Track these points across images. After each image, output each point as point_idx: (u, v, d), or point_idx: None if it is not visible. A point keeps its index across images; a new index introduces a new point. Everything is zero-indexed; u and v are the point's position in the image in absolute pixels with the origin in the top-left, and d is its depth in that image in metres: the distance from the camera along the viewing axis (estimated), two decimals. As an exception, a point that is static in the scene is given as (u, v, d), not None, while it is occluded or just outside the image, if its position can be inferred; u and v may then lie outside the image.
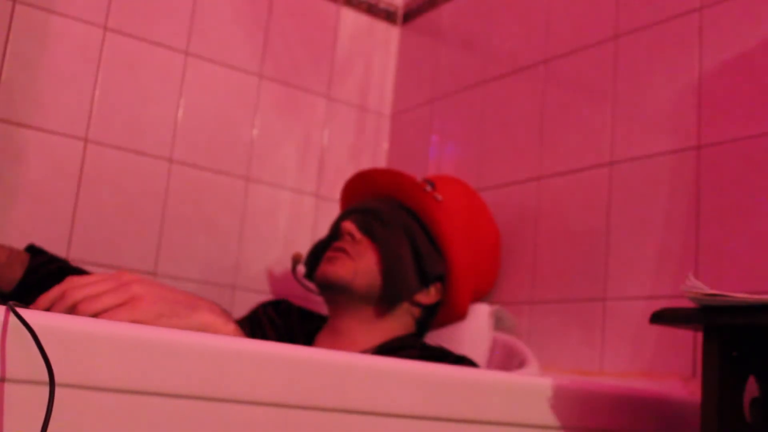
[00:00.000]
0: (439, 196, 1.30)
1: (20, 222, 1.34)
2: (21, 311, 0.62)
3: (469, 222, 1.37)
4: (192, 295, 0.94)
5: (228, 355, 0.72)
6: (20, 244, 1.32)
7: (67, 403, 0.63)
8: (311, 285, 1.35)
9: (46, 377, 0.60)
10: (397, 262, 1.24)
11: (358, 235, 1.26)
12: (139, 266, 1.42)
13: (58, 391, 0.61)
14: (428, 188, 1.30)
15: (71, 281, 0.87)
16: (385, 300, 1.24)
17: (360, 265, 1.24)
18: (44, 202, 1.37)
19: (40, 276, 1.22)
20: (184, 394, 0.69)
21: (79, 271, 1.28)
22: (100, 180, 1.43)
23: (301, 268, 1.49)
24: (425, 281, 1.26)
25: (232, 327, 0.93)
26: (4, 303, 0.63)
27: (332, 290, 1.25)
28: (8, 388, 0.61)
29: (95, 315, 0.84)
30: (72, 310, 0.85)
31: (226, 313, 0.95)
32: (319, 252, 1.34)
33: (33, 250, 1.25)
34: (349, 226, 1.27)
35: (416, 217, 1.29)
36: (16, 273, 1.20)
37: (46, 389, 0.60)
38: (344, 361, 0.80)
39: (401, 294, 1.24)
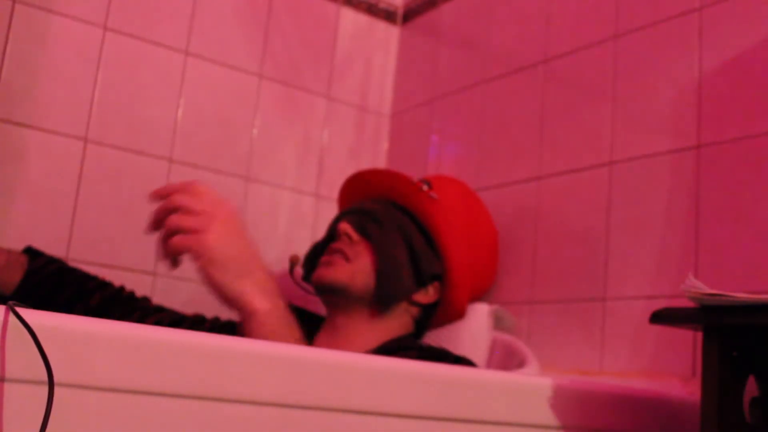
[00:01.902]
0: (435, 195, 1.30)
1: (20, 222, 1.34)
2: (21, 311, 0.62)
3: (466, 221, 1.37)
4: (255, 261, 0.98)
5: (228, 355, 0.72)
6: (20, 244, 1.32)
7: (67, 402, 0.63)
8: (309, 287, 1.35)
9: (45, 377, 0.60)
10: (392, 263, 1.24)
11: (355, 236, 1.26)
12: (139, 266, 1.42)
13: (58, 391, 0.61)
14: (424, 187, 1.30)
15: (193, 186, 0.98)
16: (381, 301, 1.24)
17: (357, 267, 1.24)
18: (44, 202, 1.37)
19: (40, 278, 1.22)
20: (184, 394, 0.69)
21: (77, 272, 1.28)
22: (100, 180, 1.43)
23: (299, 270, 1.49)
24: (422, 281, 1.26)
25: (266, 306, 0.95)
26: (3, 303, 0.63)
27: (330, 292, 1.25)
28: (8, 387, 0.61)
29: (176, 230, 0.95)
30: (169, 211, 0.96)
31: (271, 291, 0.97)
32: (316, 254, 1.34)
33: (31, 252, 1.25)
34: (345, 227, 1.27)
35: (412, 217, 1.29)
36: (15, 276, 1.20)
37: (46, 389, 0.60)
38: (344, 361, 0.80)
39: (396, 294, 1.24)
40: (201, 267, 0.95)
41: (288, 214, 1.66)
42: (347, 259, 1.24)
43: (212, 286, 0.96)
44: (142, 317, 1.28)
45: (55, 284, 1.24)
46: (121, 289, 1.31)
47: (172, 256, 0.97)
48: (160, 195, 0.99)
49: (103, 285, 1.29)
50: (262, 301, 0.94)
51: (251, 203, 1.60)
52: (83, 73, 1.43)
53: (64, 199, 1.39)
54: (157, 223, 0.98)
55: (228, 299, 0.96)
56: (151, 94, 1.51)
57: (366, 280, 1.23)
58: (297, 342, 0.97)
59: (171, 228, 0.95)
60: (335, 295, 1.24)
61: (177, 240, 0.95)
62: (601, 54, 1.39)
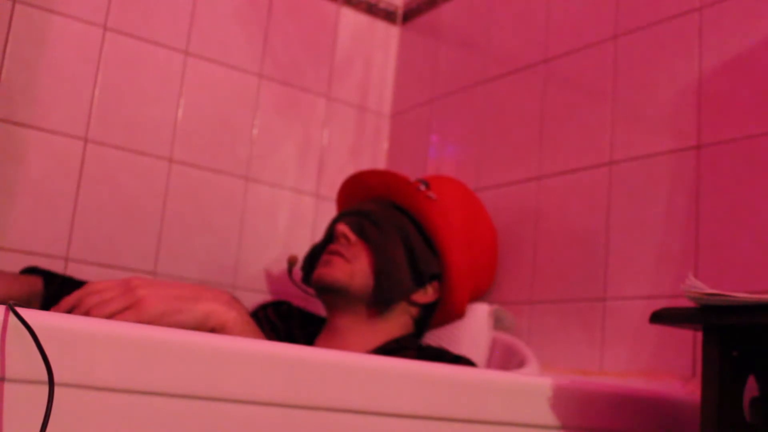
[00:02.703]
0: (433, 195, 1.30)
1: (20, 222, 1.34)
2: (21, 311, 0.62)
3: (465, 220, 1.37)
4: (197, 287, 0.98)
5: (228, 355, 0.72)
6: (20, 244, 1.32)
7: (67, 402, 0.63)
8: (308, 288, 1.35)
9: (45, 377, 0.60)
10: (389, 263, 1.24)
11: (352, 237, 1.26)
12: (139, 266, 1.42)
13: (58, 391, 0.61)
14: (422, 187, 1.31)
15: (87, 288, 0.94)
16: (380, 301, 1.24)
17: (355, 268, 1.24)
18: (44, 202, 1.37)
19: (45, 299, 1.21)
20: (184, 394, 0.69)
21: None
22: (100, 180, 1.43)
23: (297, 272, 1.49)
24: (421, 281, 1.26)
25: (233, 314, 0.96)
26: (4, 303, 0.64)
27: (329, 293, 1.25)
28: (8, 387, 0.61)
29: (107, 318, 0.90)
30: (87, 314, 0.91)
31: (232, 301, 0.98)
32: (315, 255, 1.34)
33: (43, 274, 1.24)
34: (343, 228, 1.27)
35: (411, 217, 1.30)
36: (34, 306, 1.20)
37: (46, 389, 0.60)
38: (344, 361, 0.80)
39: (394, 294, 1.24)
40: (163, 323, 0.93)
41: (288, 214, 1.66)
42: (346, 259, 1.24)
43: (182, 328, 0.94)
44: None
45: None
46: None
47: None
48: (65, 310, 0.93)
49: None
50: (225, 311, 0.96)
51: (251, 203, 1.60)
52: (83, 73, 1.43)
53: (64, 199, 1.39)
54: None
55: (201, 328, 0.95)
56: (151, 94, 1.51)
57: (365, 280, 1.24)
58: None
59: (104, 316, 0.91)
60: (335, 296, 1.24)
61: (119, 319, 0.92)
62: (601, 54, 1.39)
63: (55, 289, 1.22)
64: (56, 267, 1.36)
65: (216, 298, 0.97)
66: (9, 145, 1.35)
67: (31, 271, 1.25)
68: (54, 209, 1.38)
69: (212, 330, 0.96)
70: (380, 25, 1.85)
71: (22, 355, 0.61)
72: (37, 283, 1.22)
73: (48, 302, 1.21)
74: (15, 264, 1.31)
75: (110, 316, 0.90)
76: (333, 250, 1.27)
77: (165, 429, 0.68)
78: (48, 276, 1.24)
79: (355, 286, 1.23)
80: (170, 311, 0.93)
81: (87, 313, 0.91)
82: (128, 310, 0.91)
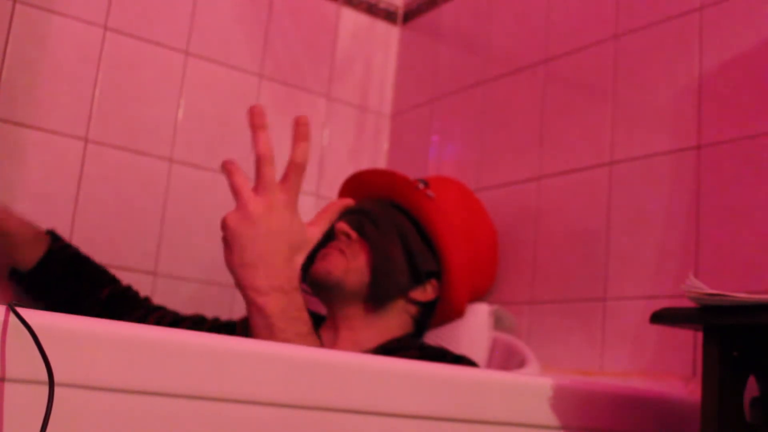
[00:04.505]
0: (432, 194, 1.30)
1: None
2: (21, 311, 0.62)
3: (464, 219, 1.37)
4: (272, 256, 1.00)
5: (228, 355, 0.72)
6: (20, 244, 1.32)
7: (67, 402, 0.63)
8: (307, 288, 1.35)
9: (45, 377, 0.60)
10: (385, 261, 1.24)
11: (353, 234, 1.27)
12: (139, 266, 1.42)
13: (58, 391, 0.61)
14: (420, 186, 1.31)
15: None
16: (376, 296, 1.24)
17: (352, 264, 1.24)
18: (44, 202, 1.37)
19: (59, 260, 1.25)
20: (184, 394, 0.69)
21: (92, 263, 1.30)
22: (100, 180, 1.43)
23: (298, 270, 1.48)
24: (418, 278, 1.27)
25: (277, 308, 0.98)
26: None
27: (325, 288, 1.25)
28: (8, 387, 0.61)
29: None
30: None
31: (288, 292, 1.00)
32: (314, 253, 1.34)
33: (52, 234, 1.28)
34: (343, 226, 1.27)
35: (410, 215, 1.30)
36: (37, 253, 1.24)
37: (46, 389, 0.60)
38: (344, 361, 0.80)
39: (390, 290, 1.25)
40: (234, 251, 1.00)
41: (288, 214, 1.65)
42: (344, 255, 1.25)
43: (229, 267, 1.01)
44: (144, 315, 1.29)
45: (72, 270, 1.27)
46: (129, 287, 1.33)
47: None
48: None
49: (114, 280, 1.31)
50: (273, 300, 0.97)
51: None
52: (83, 73, 1.43)
53: (64, 199, 1.39)
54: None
55: (236, 284, 1.00)
56: (151, 94, 1.51)
57: (360, 277, 1.24)
58: (301, 337, 0.98)
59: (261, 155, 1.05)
60: (331, 291, 1.25)
61: (233, 181, 1.03)
62: (601, 54, 1.39)
63: (60, 246, 1.26)
64: (56, 267, 1.35)
65: (272, 280, 0.98)
66: (9, 145, 1.35)
67: (48, 232, 1.28)
68: (54, 209, 1.38)
69: (246, 302, 0.98)
70: (380, 25, 1.85)
71: (22, 355, 0.61)
72: (44, 235, 1.25)
73: (51, 256, 1.23)
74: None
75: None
76: (332, 246, 1.27)
77: (165, 429, 0.68)
78: (55, 236, 1.27)
79: (350, 280, 1.24)
80: (232, 245, 0.99)
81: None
82: (239, 198, 1.01)
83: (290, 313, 0.99)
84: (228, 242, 1.00)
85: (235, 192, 1.03)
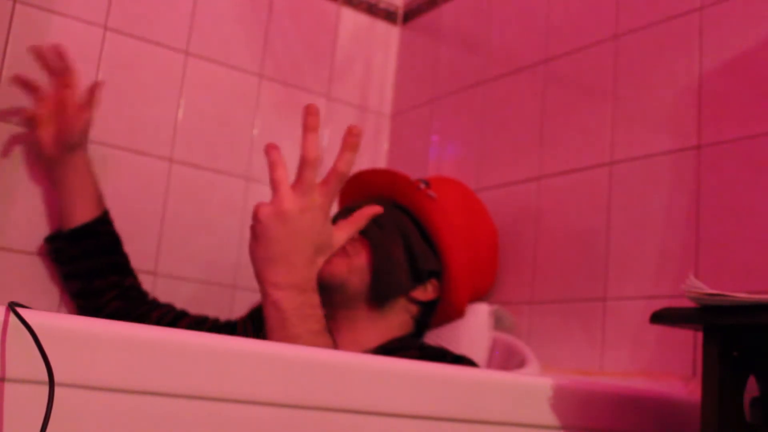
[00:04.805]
0: (433, 194, 1.30)
1: (20, 222, 1.34)
2: (21, 311, 0.62)
3: (465, 219, 1.37)
4: (293, 252, 1.01)
5: (228, 355, 0.72)
6: (21, 245, 1.32)
7: (67, 402, 0.63)
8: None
9: (45, 377, 0.60)
10: (386, 260, 1.24)
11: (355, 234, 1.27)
12: (139, 266, 1.42)
13: (58, 391, 0.61)
14: (422, 186, 1.31)
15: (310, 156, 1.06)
16: (377, 296, 1.24)
17: (354, 264, 1.24)
18: (44, 202, 1.37)
19: (104, 231, 1.32)
20: (184, 394, 0.69)
21: (124, 252, 1.36)
22: (100, 180, 1.42)
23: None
24: (419, 277, 1.27)
25: (293, 304, 0.99)
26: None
27: (327, 289, 1.25)
28: (8, 387, 0.61)
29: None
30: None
31: (306, 291, 1.01)
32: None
33: (105, 211, 1.34)
34: None
35: (411, 215, 1.30)
36: (89, 214, 1.30)
37: (46, 389, 0.60)
38: (344, 361, 0.80)
39: (391, 290, 1.25)
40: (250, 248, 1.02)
41: (288, 214, 1.65)
42: (346, 255, 1.25)
43: (253, 262, 1.02)
44: (150, 310, 1.34)
45: (110, 246, 1.33)
46: (147, 292, 1.39)
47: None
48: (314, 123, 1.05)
49: (136, 276, 1.38)
50: (291, 299, 0.98)
51: (251, 203, 1.59)
52: (84, 73, 1.43)
53: (65, 199, 1.39)
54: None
55: (259, 282, 1.02)
56: (151, 94, 1.51)
57: (361, 277, 1.24)
58: (313, 334, 0.98)
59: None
60: (333, 292, 1.25)
61: (274, 175, 1.04)
62: (601, 54, 1.39)
63: (109, 220, 1.33)
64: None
65: (291, 278, 0.99)
66: (10, 145, 1.35)
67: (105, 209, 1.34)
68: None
69: (265, 298, 0.99)
70: (380, 25, 1.85)
71: (22, 355, 0.61)
72: (100, 209, 1.32)
73: (99, 224, 1.30)
74: (15, 264, 1.31)
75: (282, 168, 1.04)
76: None
77: (165, 429, 0.68)
78: (106, 214, 1.33)
79: (352, 281, 1.24)
80: (259, 238, 1.00)
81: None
82: (275, 191, 1.01)
83: (304, 310, 1.00)
84: (256, 233, 1.02)
85: (275, 186, 1.03)
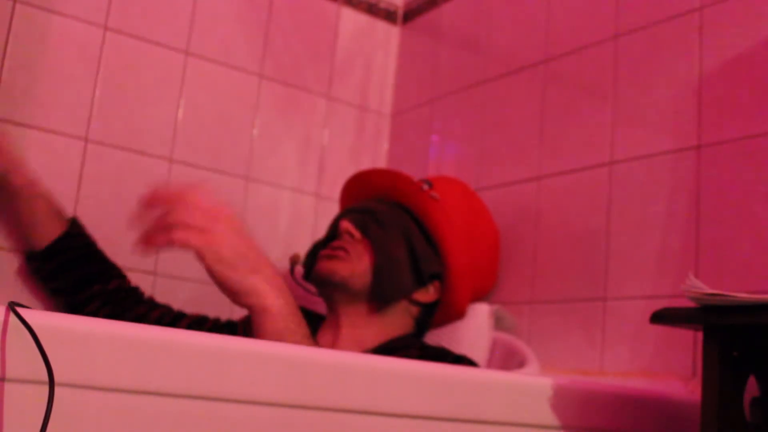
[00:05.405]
0: (436, 195, 1.30)
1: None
2: (21, 311, 0.62)
3: (467, 221, 1.37)
4: (262, 260, 0.96)
5: (228, 355, 0.72)
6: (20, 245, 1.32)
7: (67, 402, 0.63)
8: (309, 286, 1.35)
9: (45, 377, 0.60)
10: (389, 262, 1.24)
11: (357, 234, 1.27)
12: (139, 266, 1.42)
13: (58, 391, 0.61)
14: (425, 187, 1.31)
15: (185, 195, 0.95)
16: (379, 298, 1.24)
17: (356, 264, 1.24)
18: (44, 202, 1.37)
19: (75, 244, 1.27)
20: (184, 394, 0.69)
21: (104, 255, 1.31)
22: (100, 180, 1.43)
23: (300, 270, 1.49)
24: (422, 280, 1.27)
25: (280, 302, 0.93)
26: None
27: (329, 288, 1.25)
28: (8, 387, 0.61)
29: (175, 225, 0.93)
30: (166, 222, 0.94)
31: (282, 288, 0.95)
32: (317, 251, 1.34)
33: (73, 220, 1.29)
34: (347, 225, 1.27)
35: (414, 216, 1.30)
36: (55, 231, 1.25)
37: (46, 389, 0.60)
38: (344, 361, 0.80)
39: (393, 292, 1.24)
40: (209, 265, 0.94)
41: (288, 214, 1.66)
42: (349, 255, 1.25)
43: (222, 283, 0.95)
44: (146, 312, 1.31)
45: (85, 256, 1.28)
46: (137, 288, 1.34)
47: (165, 247, 0.96)
48: (157, 198, 0.97)
49: (123, 276, 1.33)
50: (273, 297, 0.94)
51: (251, 203, 1.60)
52: (83, 73, 1.43)
53: (64, 199, 1.39)
54: (150, 207, 0.98)
55: (239, 296, 0.95)
56: (151, 94, 1.50)
57: (364, 277, 1.24)
58: (305, 338, 0.98)
59: (174, 222, 0.94)
60: (334, 291, 1.25)
61: (182, 236, 0.93)
62: (601, 54, 1.39)
63: (77, 231, 1.28)
64: (56, 267, 1.35)
65: (269, 279, 0.94)
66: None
67: (73, 219, 1.30)
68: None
69: (249, 307, 0.94)
70: (380, 25, 1.85)
71: (22, 355, 0.61)
72: (65, 221, 1.26)
73: (67, 238, 1.25)
74: (15, 264, 1.31)
75: (184, 225, 0.92)
76: (336, 246, 1.27)
77: (165, 429, 0.68)
78: (74, 225, 1.28)
79: (354, 281, 1.24)
80: (228, 264, 0.92)
81: (168, 213, 0.93)
82: (198, 233, 0.92)
83: (293, 313, 0.98)
84: (205, 255, 0.94)
85: (194, 207, 0.96)
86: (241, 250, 0.94)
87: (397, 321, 1.27)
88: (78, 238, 1.28)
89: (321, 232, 1.63)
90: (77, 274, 1.27)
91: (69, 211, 1.40)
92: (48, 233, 1.24)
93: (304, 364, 0.76)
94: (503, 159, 1.54)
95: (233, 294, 0.95)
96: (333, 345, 1.24)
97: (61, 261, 1.26)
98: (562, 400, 0.91)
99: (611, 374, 1.23)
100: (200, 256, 0.94)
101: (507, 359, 1.29)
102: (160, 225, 0.95)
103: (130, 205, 1.46)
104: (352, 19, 1.80)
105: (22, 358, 0.61)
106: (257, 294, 0.93)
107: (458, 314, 1.32)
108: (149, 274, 1.45)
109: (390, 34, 1.86)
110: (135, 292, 1.33)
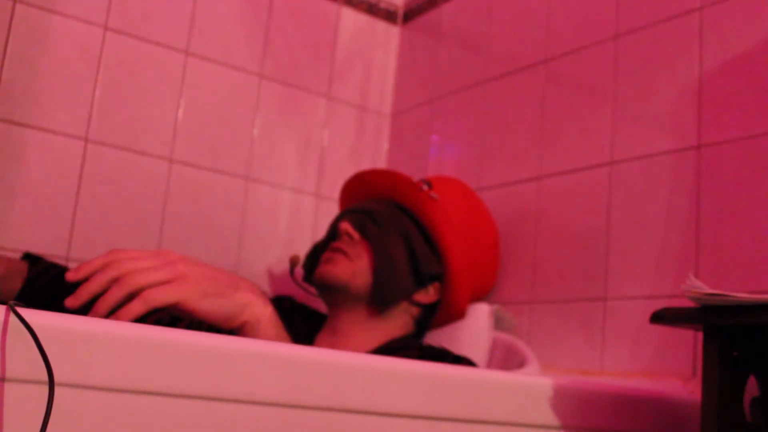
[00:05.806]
0: (436, 196, 1.30)
1: (20, 222, 1.34)
2: (21, 311, 0.62)
3: (467, 221, 1.37)
4: (233, 275, 0.95)
5: (228, 355, 0.72)
6: (21, 245, 1.32)
7: (67, 402, 0.63)
8: (309, 287, 1.35)
9: (45, 377, 0.60)
10: (389, 263, 1.24)
11: (356, 235, 1.26)
12: (139, 266, 1.42)
13: (58, 391, 0.61)
14: (425, 188, 1.31)
15: (117, 252, 0.87)
16: (379, 300, 1.24)
17: (357, 266, 1.24)
18: (44, 202, 1.37)
19: (40, 285, 1.21)
20: (184, 394, 0.69)
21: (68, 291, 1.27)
22: (100, 180, 1.43)
23: (300, 270, 1.49)
24: (422, 281, 1.26)
25: (269, 309, 0.94)
26: (4, 303, 0.63)
27: (330, 290, 1.25)
28: (8, 387, 0.61)
29: (140, 289, 0.85)
30: (117, 281, 0.85)
31: (264, 295, 0.96)
32: (317, 253, 1.34)
33: (30, 258, 1.25)
34: (346, 226, 1.27)
35: (413, 217, 1.30)
36: (15, 284, 1.20)
37: (46, 389, 0.60)
38: (344, 361, 0.80)
39: (393, 294, 1.24)
40: (195, 307, 0.89)
41: (288, 214, 1.66)
42: (348, 257, 1.25)
43: (214, 314, 0.91)
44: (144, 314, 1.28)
45: (55, 291, 1.21)
46: None
47: (140, 315, 0.86)
48: (86, 275, 0.87)
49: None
50: (263, 305, 0.94)
51: (251, 203, 1.60)
52: (84, 72, 1.43)
53: (64, 199, 1.39)
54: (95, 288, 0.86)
55: (234, 317, 0.92)
56: (151, 94, 1.51)
57: (365, 279, 1.24)
58: (288, 342, 0.98)
59: (136, 286, 0.85)
60: (335, 294, 1.25)
61: (157, 295, 0.85)
62: (601, 54, 1.39)
63: (37, 272, 1.20)
64: (56, 267, 1.36)
65: (252, 290, 0.93)
66: (9, 145, 1.35)
67: (26, 256, 1.25)
68: (54, 209, 1.38)
69: (243, 324, 0.92)
70: (380, 25, 1.85)
71: (22, 355, 0.61)
72: (21, 266, 1.20)
73: (29, 285, 1.18)
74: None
75: (149, 286, 0.84)
76: (336, 247, 1.27)
77: (165, 429, 0.68)
78: (33, 260, 1.23)
79: (356, 284, 1.23)
80: (212, 293, 0.89)
81: (121, 279, 0.84)
82: (168, 284, 0.86)
83: (279, 317, 0.98)
84: (187, 300, 0.89)
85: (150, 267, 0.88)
86: (213, 275, 0.91)
87: (397, 322, 1.27)
88: (41, 279, 1.20)
89: (321, 232, 1.63)
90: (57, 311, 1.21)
91: (69, 211, 1.40)
92: (9, 288, 1.17)
93: (304, 364, 0.75)
94: (503, 159, 1.54)
95: (228, 319, 0.92)
96: (333, 346, 1.24)
97: (35, 306, 1.20)
98: (562, 400, 0.91)
99: (611, 374, 1.23)
100: (183, 305, 0.88)
101: (507, 359, 1.29)
102: (116, 295, 0.85)
103: (130, 205, 1.46)
104: (352, 19, 1.80)
105: (22, 358, 0.61)
106: (251, 306, 0.93)
107: (458, 314, 1.32)
108: (149, 274, 1.45)
109: (390, 34, 1.87)
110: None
